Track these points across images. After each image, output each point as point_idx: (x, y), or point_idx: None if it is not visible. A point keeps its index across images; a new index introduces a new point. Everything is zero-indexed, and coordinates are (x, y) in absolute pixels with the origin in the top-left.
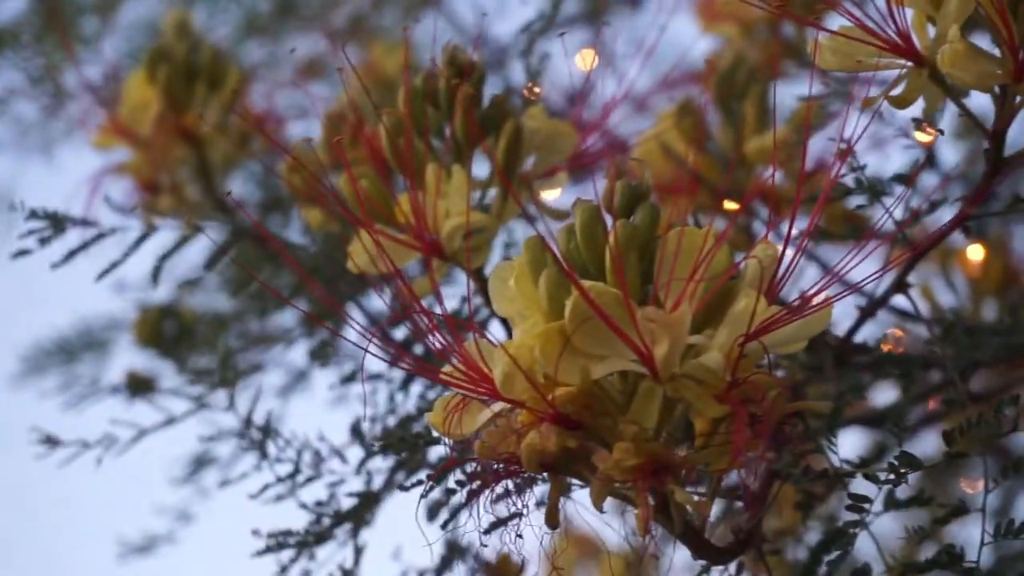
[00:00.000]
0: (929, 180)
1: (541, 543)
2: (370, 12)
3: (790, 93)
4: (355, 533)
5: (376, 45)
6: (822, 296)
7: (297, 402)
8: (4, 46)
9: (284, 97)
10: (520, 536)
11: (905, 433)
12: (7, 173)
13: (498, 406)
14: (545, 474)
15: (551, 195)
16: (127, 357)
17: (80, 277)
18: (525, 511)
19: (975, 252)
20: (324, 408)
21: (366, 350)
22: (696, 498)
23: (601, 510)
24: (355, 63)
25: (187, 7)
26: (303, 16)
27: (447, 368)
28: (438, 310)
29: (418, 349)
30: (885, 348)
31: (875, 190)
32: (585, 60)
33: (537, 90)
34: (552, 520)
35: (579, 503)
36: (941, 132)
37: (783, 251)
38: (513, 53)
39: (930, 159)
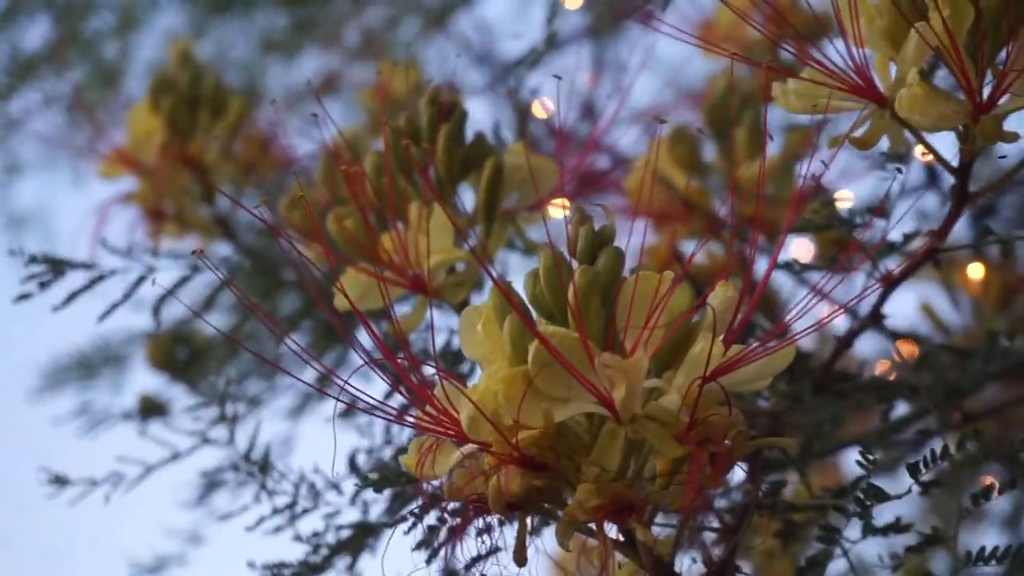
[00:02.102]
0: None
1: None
2: (380, 32)
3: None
4: (352, 564)
5: (385, 65)
6: (803, 323)
7: (307, 423)
8: (28, 74)
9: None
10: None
11: (874, 466)
12: (38, 192)
13: (467, 448)
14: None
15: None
16: (143, 378)
17: (96, 294)
18: (502, 546)
19: (975, 270)
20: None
21: (337, 399)
22: (659, 536)
23: (567, 548)
24: (364, 83)
25: (203, 30)
26: (317, 35)
27: (416, 412)
28: (415, 348)
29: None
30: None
31: (843, 222)
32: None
33: (543, 112)
34: (520, 558)
35: None
36: (900, 171)
37: (744, 286)
38: (511, 77)
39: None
